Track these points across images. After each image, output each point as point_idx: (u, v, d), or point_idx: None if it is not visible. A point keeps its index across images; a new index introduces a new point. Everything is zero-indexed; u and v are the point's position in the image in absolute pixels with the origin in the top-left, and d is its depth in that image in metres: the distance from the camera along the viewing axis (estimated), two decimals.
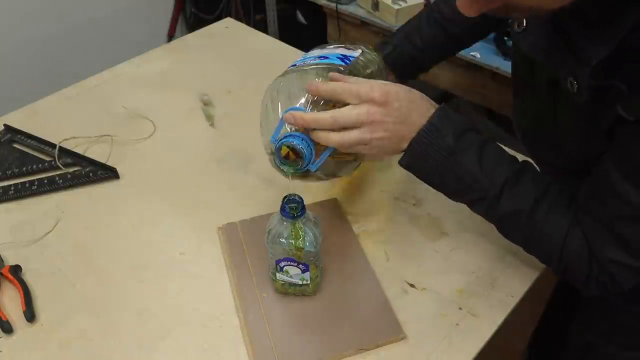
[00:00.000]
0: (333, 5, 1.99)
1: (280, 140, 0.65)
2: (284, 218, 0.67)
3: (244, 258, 0.79)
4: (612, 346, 0.87)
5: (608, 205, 0.62)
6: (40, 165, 0.95)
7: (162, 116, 1.06)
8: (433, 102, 0.68)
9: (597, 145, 0.63)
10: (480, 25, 0.93)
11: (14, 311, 0.74)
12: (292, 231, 0.68)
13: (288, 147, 0.64)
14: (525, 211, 0.66)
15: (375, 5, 1.89)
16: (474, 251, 0.81)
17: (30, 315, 0.73)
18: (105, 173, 0.93)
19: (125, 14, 2.24)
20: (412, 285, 0.77)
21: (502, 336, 0.73)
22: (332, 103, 0.67)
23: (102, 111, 1.07)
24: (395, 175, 0.93)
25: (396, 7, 1.83)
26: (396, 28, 1.85)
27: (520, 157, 0.72)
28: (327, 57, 0.73)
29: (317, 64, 0.72)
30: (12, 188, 0.91)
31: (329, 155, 0.67)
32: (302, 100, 0.67)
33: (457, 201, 0.72)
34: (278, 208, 0.67)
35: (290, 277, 0.71)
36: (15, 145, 0.99)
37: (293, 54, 1.20)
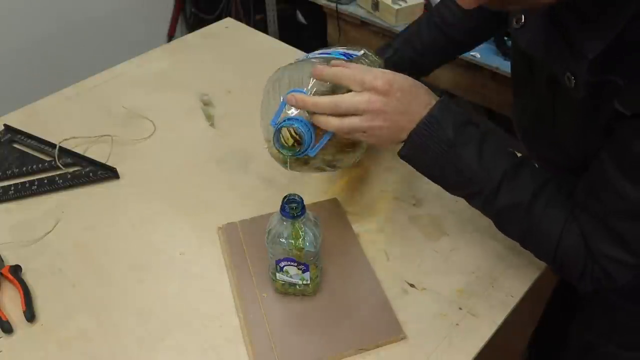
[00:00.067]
0: (333, 5, 1.99)
1: (281, 123, 0.65)
2: (284, 218, 0.67)
3: (244, 258, 0.79)
4: (612, 346, 0.87)
5: (604, 200, 0.62)
6: (40, 165, 0.95)
7: (162, 116, 1.06)
8: (435, 95, 0.68)
9: (595, 142, 0.63)
10: (480, 28, 0.93)
11: (14, 311, 0.74)
12: (292, 231, 0.68)
13: (288, 130, 0.65)
14: (522, 205, 0.66)
15: (375, 5, 1.89)
16: (474, 251, 0.81)
17: (30, 315, 0.73)
18: (105, 173, 0.93)
19: (125, 14, 2.24)
20: (412, 285, 0.77)
21: (502, 336, 0.73)
22: (335, 92, 0.67)
23: (102, 111, 1.08)
24: (395, 175, 0.93)
25: (396, 7, 1.83)
26: (396, 28, 1.86)
27: None
28: (329, 54, 0.74)
29: (320, 57, 0.73)
30: (12, 188, 0.91)
31: (328, 140, 0.67)
32: (305, 87, 0.68)
33: (454, 194, 0.72)
34: (278, 208, 0.67)
35: (290, 277, 0.71)
36: (15, 145, 0.99)
37: (293, 54, 1.20)
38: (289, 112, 0.67)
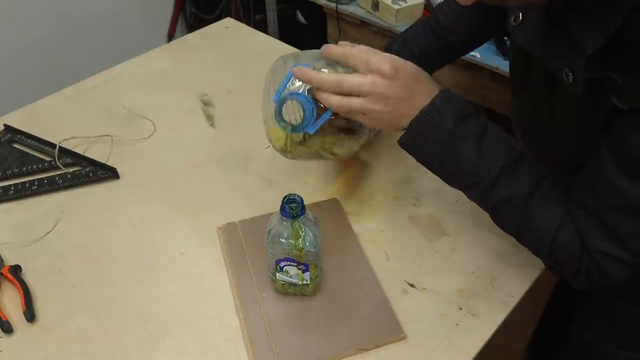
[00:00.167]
0: (333, 5, 1.99)
1: (285, 96, 0.66)
2: (283, 218, 0.67)
3: (244, 258, 0.79)
4: (612, 346, 0.87)
5: (601, 196, 0.62)
6: (40, 165, 0.95)
7: (162, 116, 1.06)
8: (438, 85, 0.69)
9: (593, 140, 0.63)
10: (475, 32, 0.93)
11: (14, 311, 0.74)
12: (292, 231, 0.68)
13: (291, 101, 0.66)
14: (519, 199, 0.66)
15: (375, 5, 1.89)
16: (474, 251, 0.81)
17: (30, 315, 0.73)
18: (105, 173, 0.93)
19: (125, 14, 2.24)
20: (412, 285, 0.77)
21: (502, 336, 0.73)
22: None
23: (102, 111, 1.08)
24: (395, 175, 0.93)
25: (396, 7, 1.82)
26: (396, 28, 1.86)
27: None
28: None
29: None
30: (12, 188, 0.91)
31: (328, 118, 0.68)
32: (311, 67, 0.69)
33: (453, 186, 0.72)
34: (278, 208, 0.67)
35: (290, 277, 0.71)
36: (15, 145, 0.99)
37: None
38: (292, 88, 0.68)
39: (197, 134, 1.03)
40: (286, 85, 0.68)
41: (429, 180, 0.91)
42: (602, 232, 0.63)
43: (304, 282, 0.72)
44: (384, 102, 0.65)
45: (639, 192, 0.58)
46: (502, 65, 1.66)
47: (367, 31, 1.97)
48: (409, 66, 0.67)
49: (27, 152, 0.98)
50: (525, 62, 0.74)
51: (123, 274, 0.79)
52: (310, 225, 0.69)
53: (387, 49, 0.94)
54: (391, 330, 0.71)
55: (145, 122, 1.04)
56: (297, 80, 0.68)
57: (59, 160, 0.95)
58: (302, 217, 0.67)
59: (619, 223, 0.62)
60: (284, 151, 0.77)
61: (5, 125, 1.02)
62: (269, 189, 0.91)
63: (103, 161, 0.95)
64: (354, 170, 0.94)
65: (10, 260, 0.80)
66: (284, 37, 2.22)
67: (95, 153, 0.97)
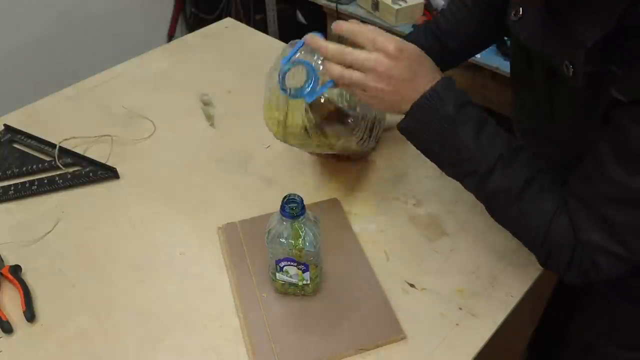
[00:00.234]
0: (333, 5, 1.99)
1: (293, 61, 0.68)
2: (283, 218, 0.67)
3: (244, 258, 0.79)
4: (612, 345, 0.87)
5: (598, 188, 0.62)
6: (40, 165, 0.95)
7: (162, 116, 1.06)
8: (440, 72, 0.69)
9: (592, 136, 0.63)
10: (474, 37, 0.93)
11: (14, 311, 0.74)
12: (292, 231, 0.68)
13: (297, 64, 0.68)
14: (514, 190, 0.66)
15: (375, 5, 1.89)
16: (474, 251, 0.81)
17: (30, 315, 0.73)
18: (105, 173, 0.93)
19: (125, 14, 2.24)
20: (412, 285, 0.77)
21: (502, 336, 0.73)
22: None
23: (102, 111, 1.08)
24: (395, 176, 0.93)
25: (396, 7, 1.83)
26: (396, 28, 1.86)
27: None
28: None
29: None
30: (12, 188, 0.91)
31: (329, 87, 0.68)
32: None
33: (449, 174, 0.72)
34: (278, 208, 0.67)
35: (290, 277, 0.71)
36: (15, 145, 0.99)
37: None
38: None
39: (197, 134, 1.03)
40: (296, 52, 0.69)
41: (429, 180, 0.91)
42: (597, 225, 0.63)
43: (304, 282, 0.72)
44: (387, 82, 0.65)
45: (636, 184, 0.59)
46: (502, 65, 1.66)
47: None
48: (414, 49, 0.67)
49: (27, 152, 0.98)
50: (526, 59, 0.74)
51: (123, 274, 0.79)
52: (310, 225, 0.69)
53: None
54: (391, 330, 0.71)
55: (145, 122, 1.04)
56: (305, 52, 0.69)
57: (59, 160, 0.95)
58: (302, 217, 0.67)
59: (614, 215, 0.62)
60: (278, 137, 0.78)
61: (5, 125, 1.02)
62: (269, 189, 0.91)
63: (103, 161, 0.95)
64: (354, 170, 0.94)
65: (10, 260, 0.80)
66: (284, 37, 2.22)
67: (95, 153, 0.97)
